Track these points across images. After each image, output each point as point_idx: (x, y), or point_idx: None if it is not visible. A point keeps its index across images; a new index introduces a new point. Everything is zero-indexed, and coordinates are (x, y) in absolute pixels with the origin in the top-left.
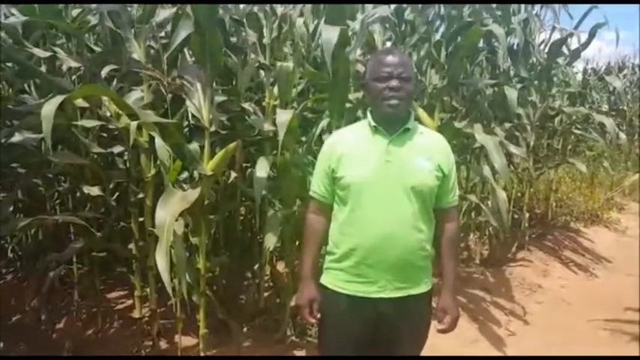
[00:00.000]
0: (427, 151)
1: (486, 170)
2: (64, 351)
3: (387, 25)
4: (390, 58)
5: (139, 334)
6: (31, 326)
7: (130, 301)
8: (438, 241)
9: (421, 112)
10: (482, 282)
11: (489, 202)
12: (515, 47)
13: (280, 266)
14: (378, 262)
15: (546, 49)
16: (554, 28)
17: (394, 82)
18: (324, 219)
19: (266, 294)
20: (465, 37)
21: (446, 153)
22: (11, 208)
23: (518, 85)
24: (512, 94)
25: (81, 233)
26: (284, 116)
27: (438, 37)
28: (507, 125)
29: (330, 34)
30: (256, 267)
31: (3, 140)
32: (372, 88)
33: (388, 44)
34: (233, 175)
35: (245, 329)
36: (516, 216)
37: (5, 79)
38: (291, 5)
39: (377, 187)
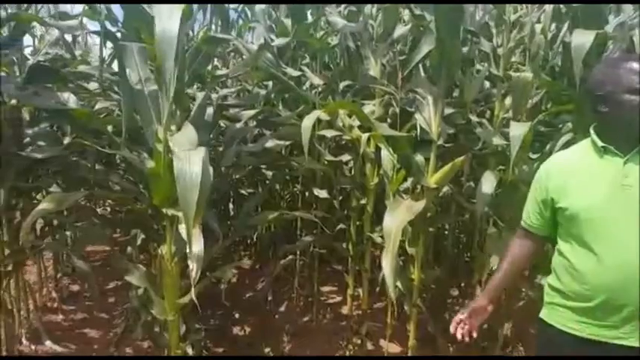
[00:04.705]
0: None
1: None
2: (283, 332)
3: None
4: None
5: (348, 331)
6: (259, 305)
7: (340, 298)
8: None
9: None
10: None
11: None
12: None
13: None
14: (621, 306)
15: None
16: None
17: None
18: (528, 247)
19: None
20: None
21: None
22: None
23: None
24: None
25: (308, 230)
26: (519, 129)
27: None
28: None
29: (582, 40)
30: (462, 285)
31: (259, 147)
32: (623, 102)
33: None
34: (446, 187)
35: (451, 349)
36: None
37: (265, 95)
38: (524, 10)
39: (613, 216)
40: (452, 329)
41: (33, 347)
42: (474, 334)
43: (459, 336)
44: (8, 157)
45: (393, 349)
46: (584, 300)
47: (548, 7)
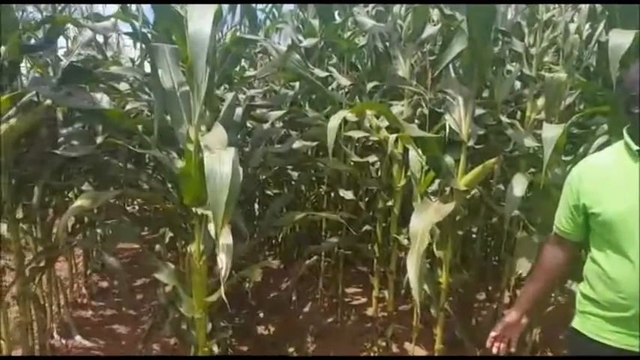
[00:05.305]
0: None
1: None
2: (308, 333)
3: None
4: None
5: (373, 333)
6: (283, 305)
7: (364, 299)
8: None
9: None
10: None
11: None
12: None
13: None
14: None
15: None
16: None
17: None
18: (561, 254)
19: None
20: None
21: None
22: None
23: None
24: None
25: (333, 231)
26: (552, 131)
27: None
28: None
29: (620, 40)
30: (490, 288)
31: (286, 148)
32: None
33: None
34: (475, 189)
35: (478, 353)
36: None
37: (292, 96)
38: (556, 10)
39: None
40: (488, 344)
41: (63, 342)
42: (512, 349)
43: (494, 351)
44: (43, 156)
45: (419, 352)
46: (620, 309)
47: (584, 7)
